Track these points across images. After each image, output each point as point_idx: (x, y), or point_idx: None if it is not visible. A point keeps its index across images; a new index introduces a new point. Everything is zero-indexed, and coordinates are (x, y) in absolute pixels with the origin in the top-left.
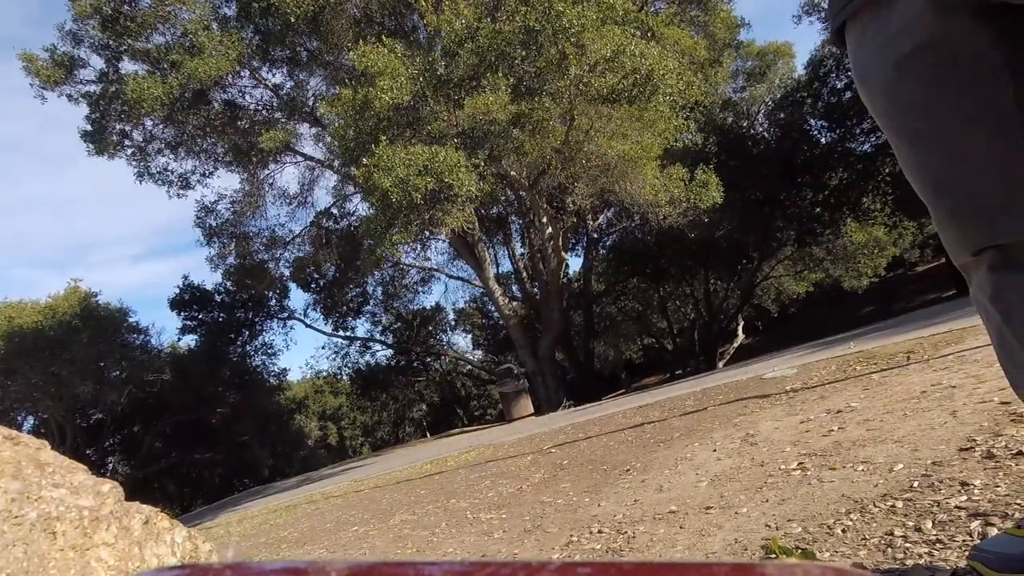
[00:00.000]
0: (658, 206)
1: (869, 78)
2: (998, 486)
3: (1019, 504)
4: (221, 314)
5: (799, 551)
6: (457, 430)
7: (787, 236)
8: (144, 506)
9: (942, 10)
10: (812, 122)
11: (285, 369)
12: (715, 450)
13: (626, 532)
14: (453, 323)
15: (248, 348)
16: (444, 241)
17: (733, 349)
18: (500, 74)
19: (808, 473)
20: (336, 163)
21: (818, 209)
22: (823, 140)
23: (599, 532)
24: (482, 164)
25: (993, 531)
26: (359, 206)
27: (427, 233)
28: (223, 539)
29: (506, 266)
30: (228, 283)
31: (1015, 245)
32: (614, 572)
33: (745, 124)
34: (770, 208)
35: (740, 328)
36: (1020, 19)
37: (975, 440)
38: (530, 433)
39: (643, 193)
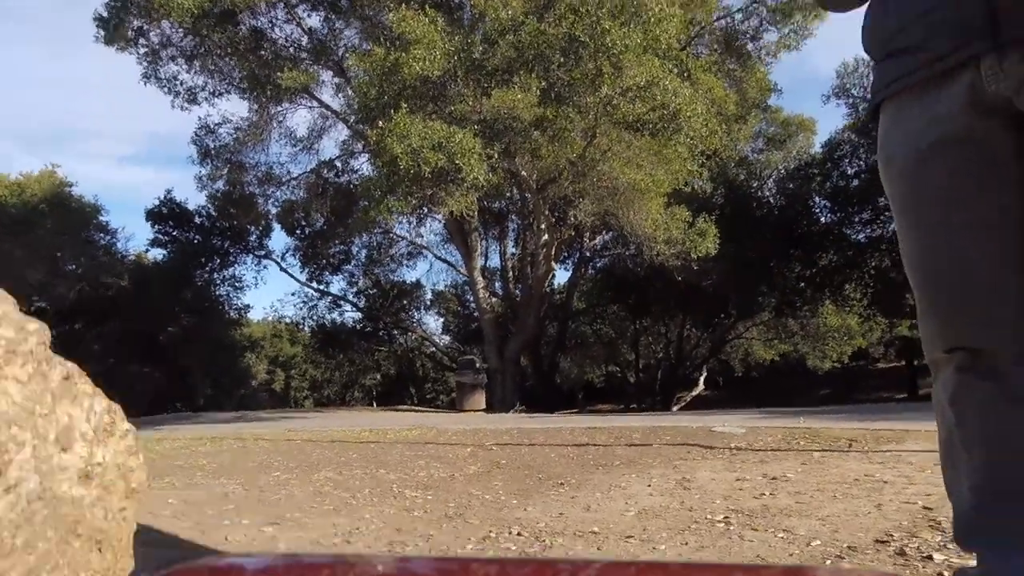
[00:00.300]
0: (655, 242)
1: (895, 158)
2: None
3: None
4: (197, 236)
5: None
6: (405, 407)
7: (768, 302)
8: (69, 363)
9: (982, 111)
10: (817, 200)
11: (248, 306)
12: (650, 485)
13: (544, 540)
14: (429, 303)
15: (216, 276)
16: (440, 222)
17: (690, 397)
18: (534, 74)
19: (731, 528)
20: (352, 118)
21: (802, 284)
22: (823, 219)
23: (518, 535)
24: (496, 156)
25: None
26: (364, 166)
27: (425, 209)
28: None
29: (495, 262)
30: (211, 208)
31: (987, 353)
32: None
33: (755, 185)
34: (759, 272)
35: (702, 379)
36: None
37: (892, 536)
38: (476, 427)
39: (644, 225)
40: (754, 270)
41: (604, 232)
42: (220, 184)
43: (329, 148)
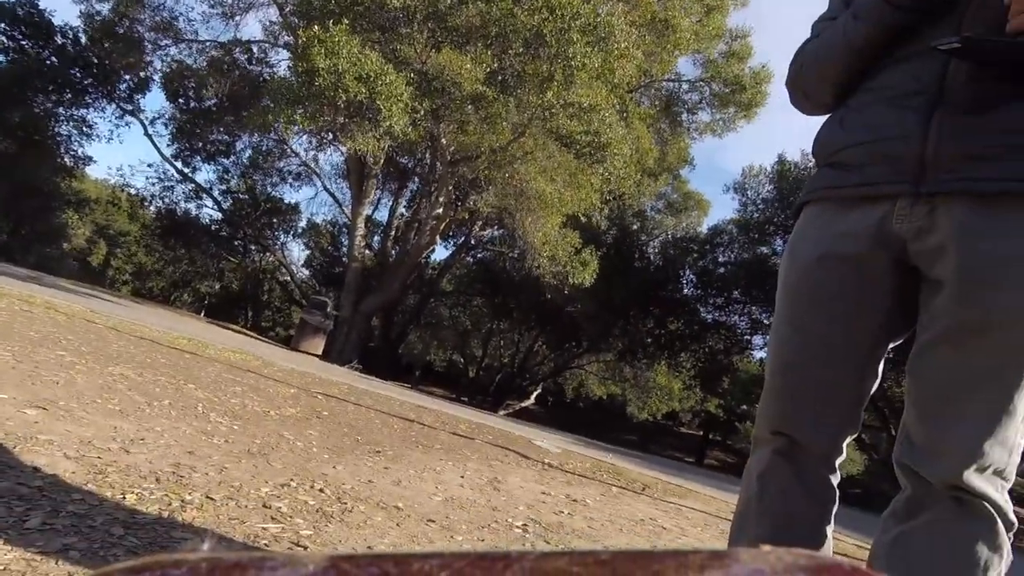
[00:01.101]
0: (539, 255)
1: (799, 253)
2: None
3: None
4: (53, 58)
5: None
6: (236, 328)
7: (615, 345)
8: None
9: (882, 242)
10: (686, 272)
11: (90, 158)
12: (463, 477)
13: (346, 503)
14: (300, 231)
15: (61, 111)
16: (341, 155)
17: (519, 407)
18: (490, 51)
19: (527, 535)
20: (288, 7)
21: (649, 340)
22: (686, 291)
23: (320, 490)
24: (421, 113)
25: None
26: (282, 64)
27: (330, 135)
28: None
29: (382, 215)
30: (83, 32)
31: (802, 446)
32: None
33: (643, 239)
34: (618, 316)
35: (535, 394)
36: (925, 283)
37: None
38: (307, 371)
39: (536, 236)
40: (615, 313)
41: (496, 227)
42: (106, 8)
43: (253, 28)
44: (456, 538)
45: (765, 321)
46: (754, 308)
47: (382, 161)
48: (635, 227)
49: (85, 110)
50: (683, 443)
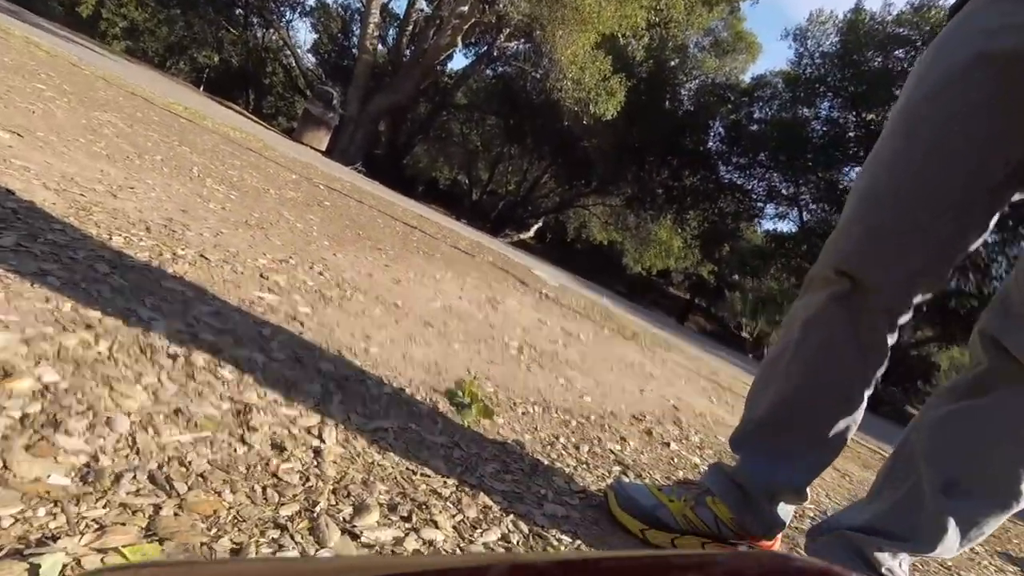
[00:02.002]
0: (564, 76)
1: (948, 49)
2: (643, 454)
3: (650, 473)
4: None
5: (482, 404)
6: (236, 108)
7: (624, 191)
8: None
9: None
10: (716, 124)
11: None
12: (462, 289)
13: (345, 290)
14: (308, 9)
15: None
16: None
17: (516, 238)
18: None
19: (522, 357)
20: None
21: (660, 191)
22: (710, 144)
23: (320, 274)
24: None
25: (624, 479)
26: None
27: None
28: None
29: (400, 5)
30: None
31: (870, 293)
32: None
33: (679, 79)
34: (634, 159)
35: (535, 228)
36: None
37: (644, 417)
38: (310, 162)
39: (564, 54)
40: (631, 155)
41: (523, 40)
42: None
43: None
44: (453, 346)
45: (784, 192)
46: (775, 175)
47: None
48: (673, 63)
49: None
50: (668, 302)
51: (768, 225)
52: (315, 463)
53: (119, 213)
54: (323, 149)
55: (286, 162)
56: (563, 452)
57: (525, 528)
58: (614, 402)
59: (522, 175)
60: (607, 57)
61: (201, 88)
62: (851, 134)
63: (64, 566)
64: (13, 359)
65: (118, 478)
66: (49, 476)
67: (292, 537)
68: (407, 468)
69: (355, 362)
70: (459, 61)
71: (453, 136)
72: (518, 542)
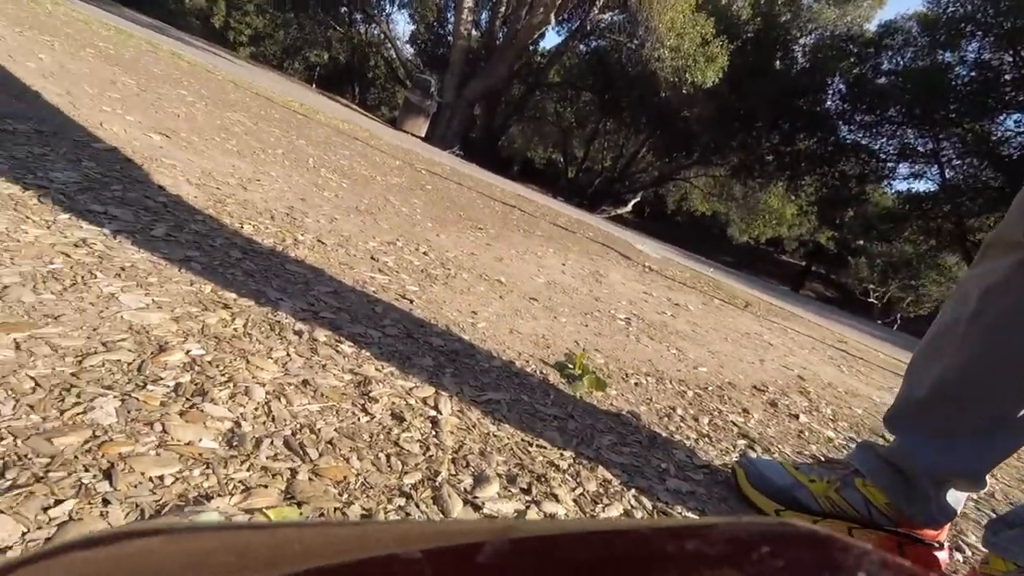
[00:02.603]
0: (661, 44)
1: None
2: (768, 427)
3: (779, 448)
4: None
5: (593, 375)
6: (344, 101)
7: (729, 160)
8: None
9: None
10: (836, 81)
11: None
12: (564, 264)
13: (449, 269)
14: (405, 2)
15: None
16: None
17: (614, 213)
18: None
19: (630, 329)
20: None
21: (770, 158)
22: (829, 104)
23: (425, 253)
24: None
25: (752, 454)
26: None
27: None
28: (18, 6)
29: None
30: None
31: None
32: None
33: (793, 35)
34: (741, 126)
35: (633, 202)
36: None
37: (767, 388)
38: (411, 148)
39: (660, 20)
40: (737, 122)
41: (616, 11)
42: None
43: None
44: (560, 319)
45: (920, 149)
46: (909, 131)
47: None
48: (784, 18)
49: None
50: (780, 270)
51: (901, 185)
52: (433, 433)
53: (248, 204)
54: (422, 135)
55: (389, 149)
56: (681, 424)
57: (648, 504)
58: (732, 372)
59: (618, 150)
60: (708, 20)
61: (313, 85)
62: (1007, 77)
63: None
64: (166, 335)
65: (258, 443)
66: (201, 440)
67: (417, 506)
68: (522, 439)
69: (464, 337)
70: (551, 39)
71: (547, 115)
72: (643, 517)
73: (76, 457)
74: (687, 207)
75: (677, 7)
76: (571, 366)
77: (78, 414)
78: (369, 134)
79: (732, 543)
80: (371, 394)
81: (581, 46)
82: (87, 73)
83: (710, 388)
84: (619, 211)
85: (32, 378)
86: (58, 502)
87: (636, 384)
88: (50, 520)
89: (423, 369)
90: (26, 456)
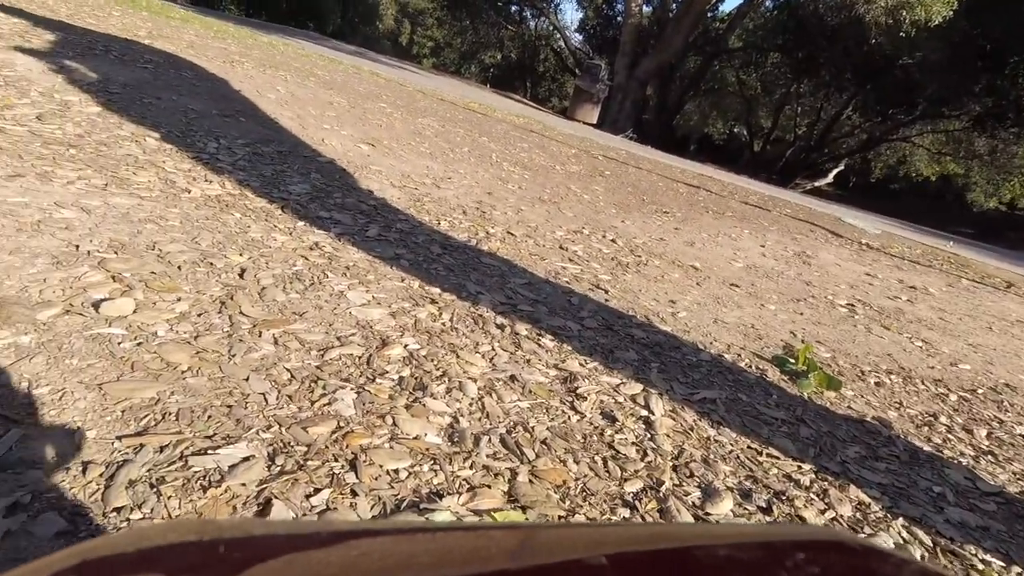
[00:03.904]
0: None
1: None
2: None
3: None
4: None
5: (821, 372)
6: (517, 97)
7: (970, 109)
8: None
9: None
10: None
11: None
12: (764, 246)
13: (639, 256)
14: None
15: None
16: None
17: (810, 186)
18: None
19: (856, 317)
20: None
21: None
22: None
23: (612, 241)
24: None
25: None
26: None
27: None
28: (262, 50)
29: None
30: None
31: None
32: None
33: None
34: (984, 64)
35: (834, 172)
36: None
37: None
38: (585, 136)
39: None
40: (980, 61)
41: None
42: None
43: None
44: (768, 307)
45: None
46: None
47: None
48: None
49: None
50: None
51: None
52: (648, 435)
53: (443, 201)
54: (593, 122)
55: (564, 139)
56: (949, 436)
57: (926, 538)
58: (1007, 371)
59: (815, 115)
60: None
61: (488, 85)
62: None
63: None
64: (386, 330)
65: (477, 440)
66: (426, 435)
67: (643, 518)
68: (749, 447)
69: (665, 328)
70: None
71: (728, 85)
72: (923, 558)
73: (327, 447)
74: (906, 171)
75: None
76: (792, 361)
77: (324, 405)
78: (543, 126)
79: (767, 549)
80: (578, 391)
81: (767, 2)
82: (311, 98)
83: (980, 391)
84: (817, 183)
85: (288, 370)
86: (316, 490)
87: (877, 384)
88: (312, 508)
89: (628, 364)
90: (289, 444)
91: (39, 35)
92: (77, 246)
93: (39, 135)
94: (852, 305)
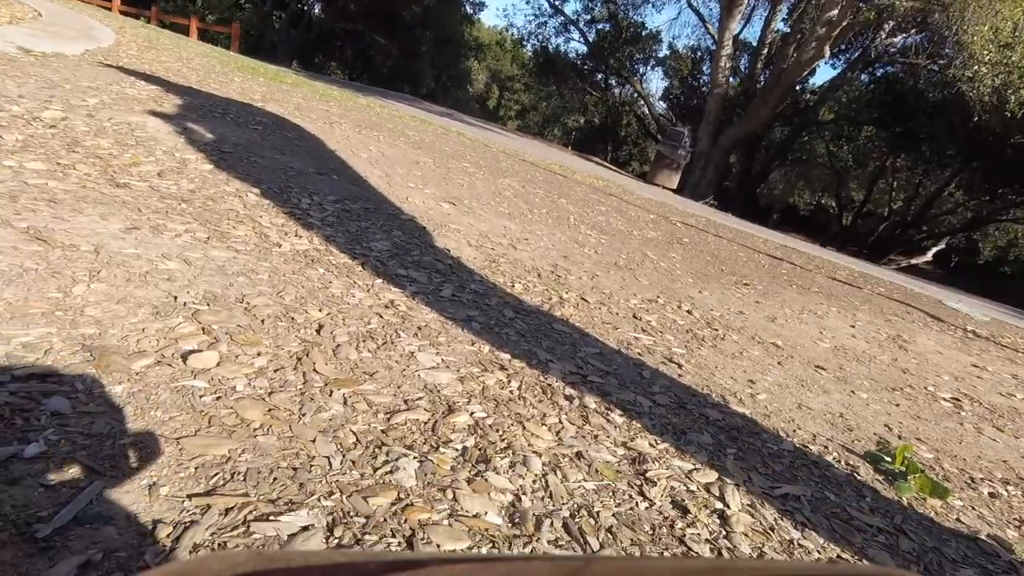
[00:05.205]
0: (977, 61)
1: None
2: None
3: None
4: None
5: (924, 476)
6: (597, 160)
7: None
8: None
9: None
10: None
11: (483, 3)
12: (854, 327)
13: (716, 329)
14: (660, 59)
15: None
16: None
17: (906, 263)
18: None
19: (962, 413)
20: None
21: None
22: None
23: (688, 312)
24: None
25: None
26: None
27: None
28: (359, 112)
29: (753, 32)
30: None
31: None
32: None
33: None
34: None
35: (934, 251)
36: None
37: None
38: (664, 201)
39: (977, 32)
40: None
41: (911, 30)
42: None
43: None
44: (859, 395)
45: None
46: None
47: None
48: None
49: None
50: None
51: None
52: (723, 531)
53: (518, 263)
54: (674, 187)
55: (643, 203)
56: None
57: None
58: None
59: (913, 190)
60: None
61: (569, 148)
62: None
63: None
64: (453, 396)
65: (539, 523)
66: (487, 513)
67: None
68: (839, 556)
69: (743, 411)
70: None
71: (816, 156)
72: None
73: (385, 520)
74: (1014, 254)
75: (1001, 14)
76: (888, 459)
77: (386, 473)
78: (622, 189)
79: None
80: (647, 474)
81: (863, 76)
82: (399, 157)
83: None
84: (914, 260)
85: (354, 433)
86: None
87: (991, 495)
88: None
89: (701, 447)
90: (349, 514)
91: (170, 100)
92: (175, 297)
93: (157, 190)
94: (958, 399)
